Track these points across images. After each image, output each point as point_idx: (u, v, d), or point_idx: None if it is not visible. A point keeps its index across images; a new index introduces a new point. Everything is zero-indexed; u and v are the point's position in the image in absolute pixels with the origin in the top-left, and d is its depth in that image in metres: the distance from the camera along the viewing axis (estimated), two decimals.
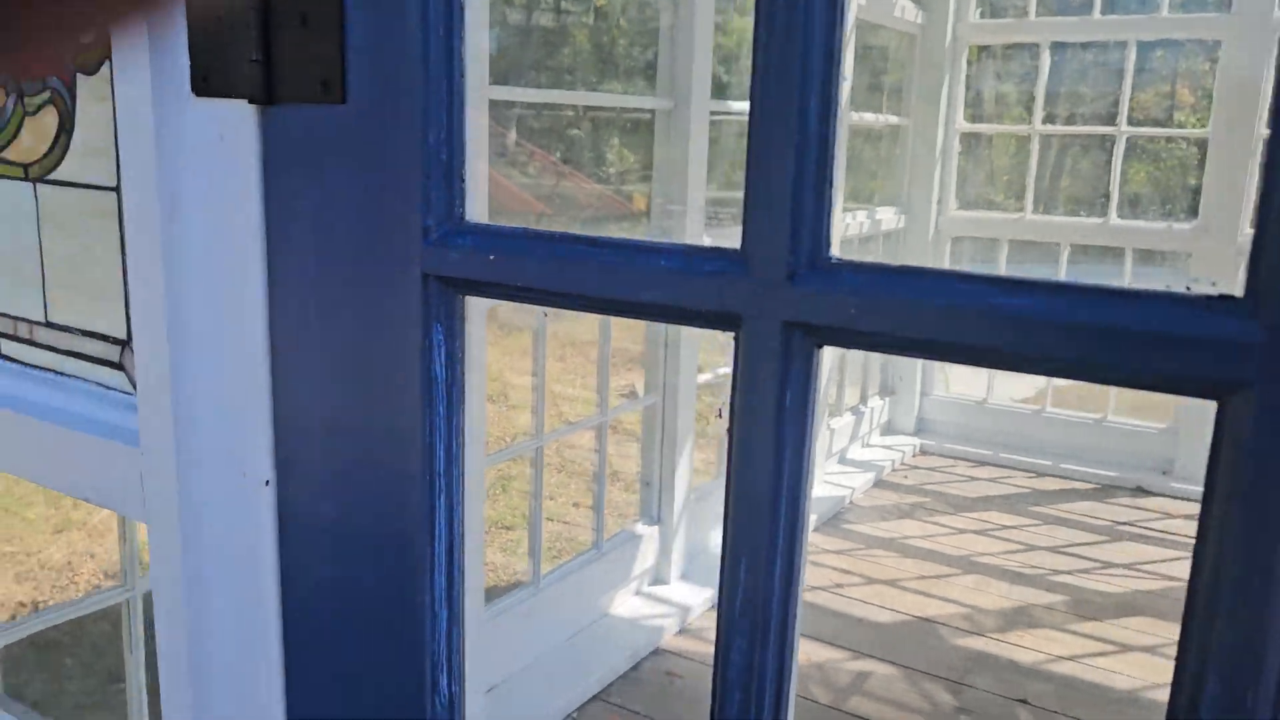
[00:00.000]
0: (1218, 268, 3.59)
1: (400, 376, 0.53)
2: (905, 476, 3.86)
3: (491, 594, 2.39)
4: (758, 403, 0.45)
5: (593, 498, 2.63)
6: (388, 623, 0.57)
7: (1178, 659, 0.40)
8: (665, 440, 2.71)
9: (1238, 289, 0.37)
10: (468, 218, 0.51)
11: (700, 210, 2.68)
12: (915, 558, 3.12)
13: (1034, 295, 0.39)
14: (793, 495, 0.46)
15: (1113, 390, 4.04)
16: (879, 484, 3.76)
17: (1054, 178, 4.46)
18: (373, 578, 0.57)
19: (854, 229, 3.63)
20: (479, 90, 1.93)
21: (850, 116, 3.46)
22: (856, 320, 0.42)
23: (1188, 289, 0.39)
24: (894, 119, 3.99)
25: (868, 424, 4.04)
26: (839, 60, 0.43)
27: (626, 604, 2.65)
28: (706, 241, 2.74)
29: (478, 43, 1.90)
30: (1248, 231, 3.58)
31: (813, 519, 3.28)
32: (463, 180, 0.51)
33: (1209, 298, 0.37)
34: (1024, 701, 2.35)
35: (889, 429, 4.25)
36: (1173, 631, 2.70)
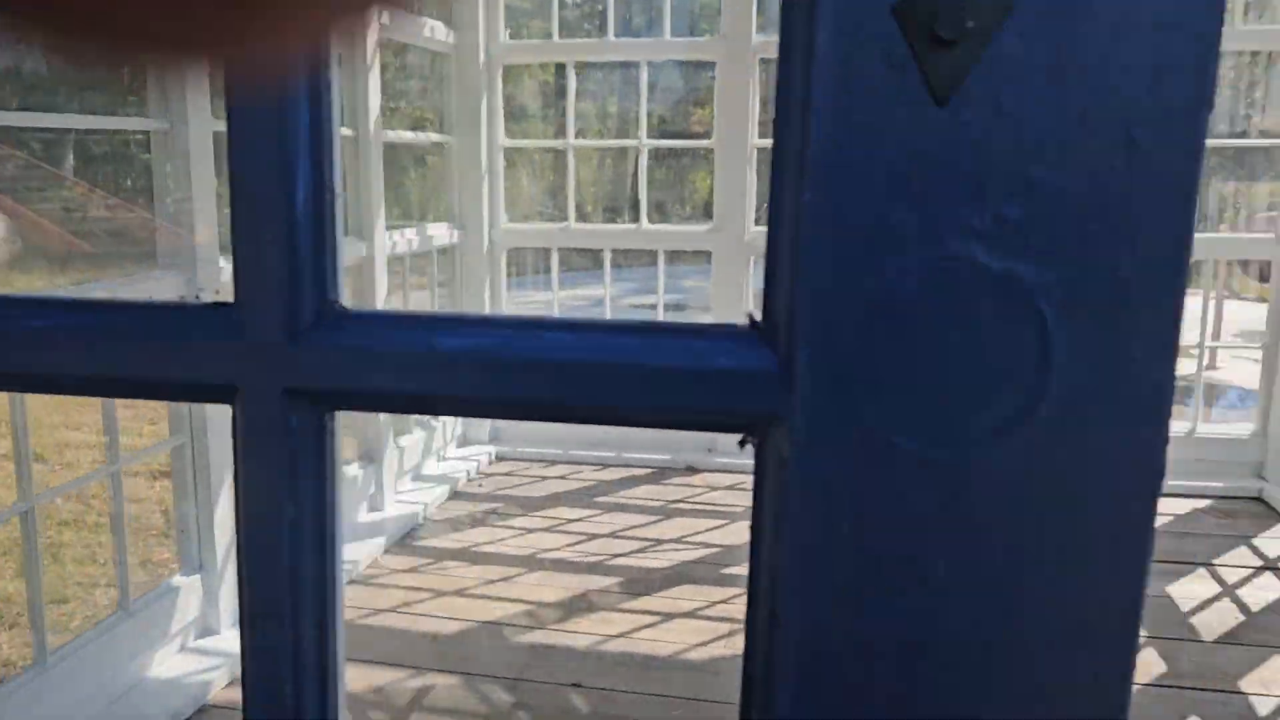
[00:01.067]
0: (733, 262, 4.03)
1: None
2: (480, 485, 3.94)
3: None
4: (265, 479, 0.41)
5: (116, 554, 2.41)
6: None
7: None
8: (199, 482, 2.55)
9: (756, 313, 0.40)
10: None
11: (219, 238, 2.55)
12: (484, 564, 3.19)
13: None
14: (318, 569, 0.42)
15: None
16: (454, 496, 3.80)
17: (595, 187, 4.76)
18: None
19: (403, 246, 3.63)
20: None
21: (385, 135, 3.45)
22: (362, 379, 0.40)
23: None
24: (437, 137, 4.05)
25: (441, 438, 4.07)
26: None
27: (168, 663, 2.45)
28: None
29: None
30: (754, 229, 4.05)
31: (382, 540, 3.25)
32: None
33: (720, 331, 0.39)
34: (577, 685, 2.48)
35: (465, 440, 4.31)
36: (709, 594, 2.98)
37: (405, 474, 3.76)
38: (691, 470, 4.09)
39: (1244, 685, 2.48)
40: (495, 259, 4.24)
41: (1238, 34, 3.73)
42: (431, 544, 3.35)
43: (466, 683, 2.48)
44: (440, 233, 3.98)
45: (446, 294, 4.16)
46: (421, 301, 4.02)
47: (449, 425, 4.14)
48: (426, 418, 4.05)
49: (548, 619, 2.82)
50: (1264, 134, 3.57)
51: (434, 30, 3.83)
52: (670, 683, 2.49)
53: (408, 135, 3.75)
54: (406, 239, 3.67)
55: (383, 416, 3.44)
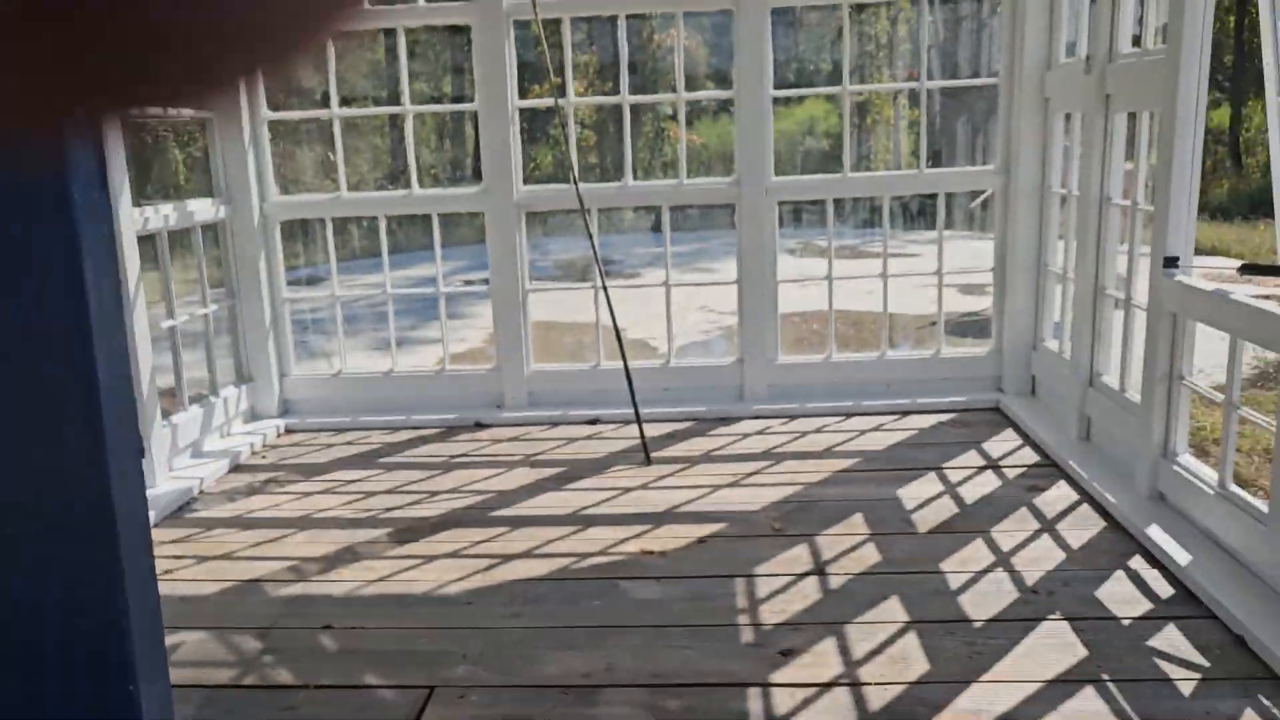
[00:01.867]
0: (505, 221, 4.14)
1: None
2: (264, 457, 3.96)
3: None
4: None
5: None
6: None
7: None
8: None
9: None
10: None
11: None
12: (255, 529, 3.24)
13: None
14: None
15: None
16: (235, 469, 3.81)
17: (372, 161, 4.79)
18: None
19: (156, 223, 3.60)
20: None
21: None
22: None
23: None
24: (194, 111, 4.01)
25: (223, 414, 4.06)
26: None
27: None
28: None
29: None
30: (523, 189, 4.17)
31: (151, 515, 3.25)
32: None
33: None
34: (328, 627, 2.57)
35: (253, 415, 4.31)
36: (475, 536, 3.10)
37: (182, 451, 3.75)
38: (479, 426, 4.21)
39: (944, 566, 2.77)
40: (268, 233, 4.24)
41: None
42: (204, 515, 3.37)
43: (216, 636, 2.54)
44: (203, 208, 3.96)
45: (219, 270, 4.14)
46: (189, 278, 4.00)
47: (232, 402, 4.14)
48: (206, 394, 4.03)
49: (309, 572, 2.90)
50: (992, 74, 3.89)
51: None
52: (421, 616, 2.61)
53: (153, 110, 3.70)
54: (161, 215, 3.64)
55: (145, 395, 3.42)
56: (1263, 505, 2.44)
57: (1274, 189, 3.19)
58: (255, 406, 4.32)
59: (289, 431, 4.25)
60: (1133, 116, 3.29)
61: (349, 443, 4.09)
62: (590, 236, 3.85)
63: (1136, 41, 3.27)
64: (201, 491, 3.57)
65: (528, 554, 2.97)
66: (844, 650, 2.36)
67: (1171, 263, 2.92)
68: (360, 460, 3.87)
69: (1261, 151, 17.64)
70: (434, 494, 3.48)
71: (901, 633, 2.43)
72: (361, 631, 2.55)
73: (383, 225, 4.28)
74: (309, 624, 2.59)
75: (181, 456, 3.74)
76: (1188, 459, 2.91)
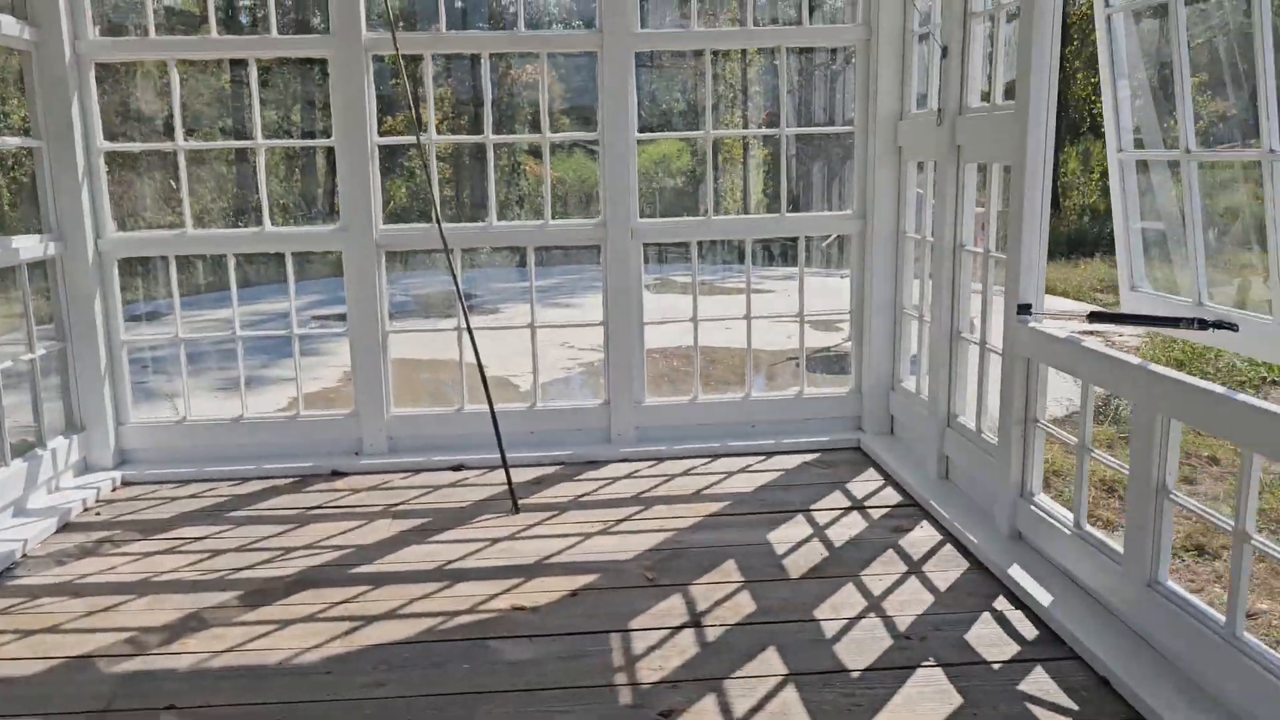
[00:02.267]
0: (363, 262, 3.98)
1: None
2: (98, 514, 3.66)
3: None
4: None
5: None
6: None
7: None
8: None
9: None
10: None
11: None
12: (87, 595, 2.97)
13: None
14: None
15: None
16: (65, 528, 3.50)
17: (216, 191, 4.55)
18: None
19: None
20: None
21: None
22: None
23: None
24: (20, 141, 3.71)
25: (51, 467, 3.74)
26: None
27: None
28: None
29: None
30: (384, 228, 4.02)
31: None
32: None
33: None
34: (171, 707, 2.36)
35: (85, 468, 3.99)
36: (333, 596, 2.93)
37: (3, 510, 3.42)
38: (336, 475, 4.01)
39: (818, 613, 2.77)
40: (105, 270, 3.95)
41: (806, 32, 4.15)
42: (27, 582, 3.07)
43: None
44: (30, 245, 3.65)
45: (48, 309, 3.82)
46: (13, 312, 3.67)
47: (61, 454, 3.81)
48: (32, 445, 3.70)
49: (149, 644, 2.67)
50: (848, 122, 4.01)
51: (3, 25, 3.50)
52: (276, 689, 2.43)
53: None
54: None
55: None
56: (1118, 545, 2.54)
57: (1115, 236, 3.37)
58: (88, 458, 4.00)
59: (126, 484, 3.95)
60: (983, 167, 3.42)
61: (193, 495, 3.83)
62: (454, 278, 3.73)
63: (986, 97, 3.42)
64: (25, 555, 3.26)
65: (391, 615, 2.82)
66: (725, 708, 2.31)
67: (1025, 309, 3.03)
68: (206, 515, 3.62)
69: (1076, 194, 18.91)
70: (288, 551, 3.28)
71: (781, 686, 2.40)
72: (209, 710, 2.35)
73: (231, 263, 4.05)
74: (150, 704, 2.37)
75: (2, 516, 3.41)
76: (1044, 499, 3.02)
